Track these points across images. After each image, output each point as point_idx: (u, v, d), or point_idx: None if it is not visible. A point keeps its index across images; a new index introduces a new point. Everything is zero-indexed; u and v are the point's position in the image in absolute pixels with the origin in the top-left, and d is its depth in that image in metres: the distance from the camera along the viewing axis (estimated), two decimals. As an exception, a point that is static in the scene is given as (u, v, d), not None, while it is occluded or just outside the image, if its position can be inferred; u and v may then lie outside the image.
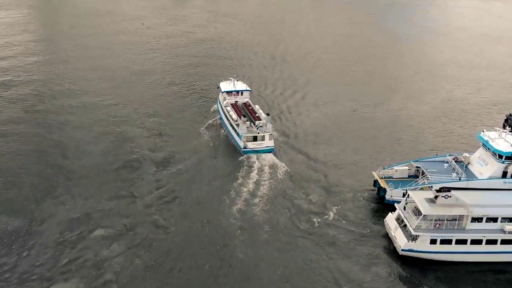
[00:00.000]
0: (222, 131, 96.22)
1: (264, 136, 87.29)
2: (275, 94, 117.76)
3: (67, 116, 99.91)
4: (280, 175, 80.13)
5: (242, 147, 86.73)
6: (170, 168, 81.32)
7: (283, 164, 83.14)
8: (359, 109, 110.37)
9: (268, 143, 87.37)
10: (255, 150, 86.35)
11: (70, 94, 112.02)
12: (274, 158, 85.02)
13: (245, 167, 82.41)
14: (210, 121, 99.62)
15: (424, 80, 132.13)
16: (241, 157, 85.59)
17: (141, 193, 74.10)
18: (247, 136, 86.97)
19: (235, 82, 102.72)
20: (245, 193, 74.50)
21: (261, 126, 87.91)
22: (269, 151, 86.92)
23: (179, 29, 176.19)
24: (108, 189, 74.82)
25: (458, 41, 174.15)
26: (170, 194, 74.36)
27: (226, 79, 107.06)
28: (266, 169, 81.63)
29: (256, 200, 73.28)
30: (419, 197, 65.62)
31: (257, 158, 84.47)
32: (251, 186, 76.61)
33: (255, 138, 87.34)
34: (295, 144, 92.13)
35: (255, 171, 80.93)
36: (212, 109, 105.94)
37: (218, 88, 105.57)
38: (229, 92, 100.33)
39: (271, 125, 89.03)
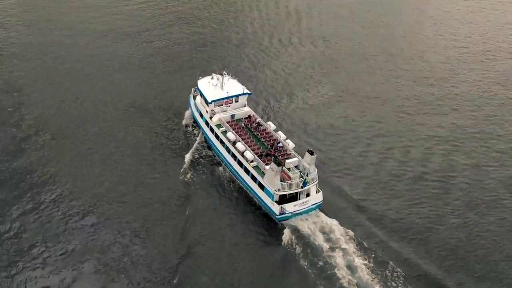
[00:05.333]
0: (221, 169, 58.51)
1: (309, 189, 51.99)
2: (282, 97, 73.49)
3: None
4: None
5: (277, 213, 50.82)
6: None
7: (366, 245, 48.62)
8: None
9: (316, 197, 51.99)
10: (298, 213, 51.49)
11: None
12: (330, 220, 50.73)
13: (297, 259, 47.35)
14: (190, 153, 60.17)
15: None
16: (280, 234, 49.82)
17: None
18: (283, 194, 51.20)
19: (223, 80, 62.70)
20: None
21: (300, 172, 52.21)
22: (316, 208, 52.55)
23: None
24: None
25: None
26: None
27: (206, 73, 66.41)
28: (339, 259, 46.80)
29: None
30: None
31: (312, 234, 49.49)
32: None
33: (295, 196, 51.91)
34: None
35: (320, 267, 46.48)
36: (183, 123, 66.38)
37: (196, 90, 64.65)
38: (217, 101, 60.89)
39: (316, 169, 53.27)
